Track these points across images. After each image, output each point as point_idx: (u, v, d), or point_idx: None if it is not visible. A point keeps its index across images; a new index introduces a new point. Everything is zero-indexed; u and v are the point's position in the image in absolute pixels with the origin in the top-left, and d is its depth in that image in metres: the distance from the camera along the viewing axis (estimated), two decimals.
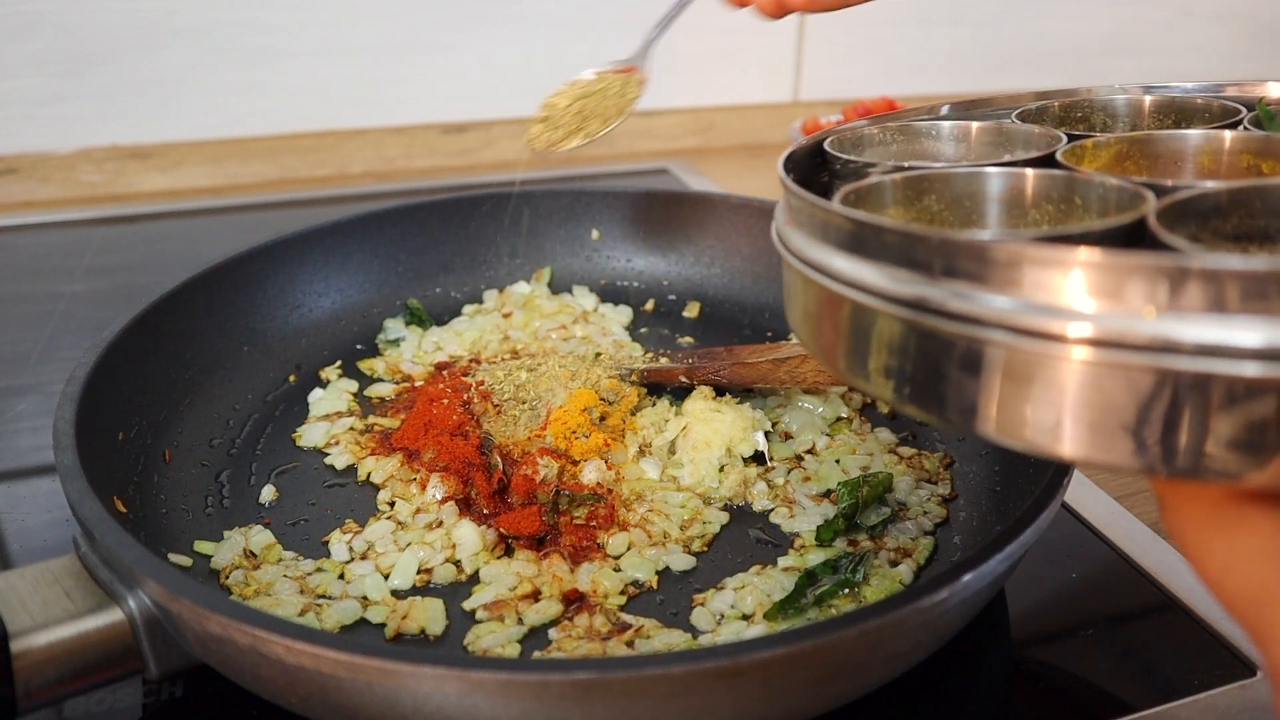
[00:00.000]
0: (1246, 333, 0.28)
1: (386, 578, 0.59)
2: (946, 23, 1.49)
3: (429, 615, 0.56)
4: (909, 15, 1.47)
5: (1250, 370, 0.28)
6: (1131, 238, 0.36)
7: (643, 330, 0.88)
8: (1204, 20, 1.61)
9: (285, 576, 0.59)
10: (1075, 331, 0.31)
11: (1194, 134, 0.48)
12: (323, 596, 0.58)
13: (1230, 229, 0.38)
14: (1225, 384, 0.29)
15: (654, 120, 1.43)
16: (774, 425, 0.72)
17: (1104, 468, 0.35)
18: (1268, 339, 0.28)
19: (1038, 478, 0.56)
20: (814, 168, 0.54)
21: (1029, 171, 0.45)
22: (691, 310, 0.90)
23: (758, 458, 0.69)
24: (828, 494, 0.66)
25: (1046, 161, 0.47)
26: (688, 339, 0.87)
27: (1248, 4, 1.62)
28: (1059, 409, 0.32)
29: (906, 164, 0.49)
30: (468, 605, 0.57)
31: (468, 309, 0.89)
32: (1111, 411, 0.31)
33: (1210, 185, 0.38)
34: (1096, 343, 0.31)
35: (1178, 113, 0.56)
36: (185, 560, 0.59)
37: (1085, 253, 0.31)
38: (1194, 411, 0.30)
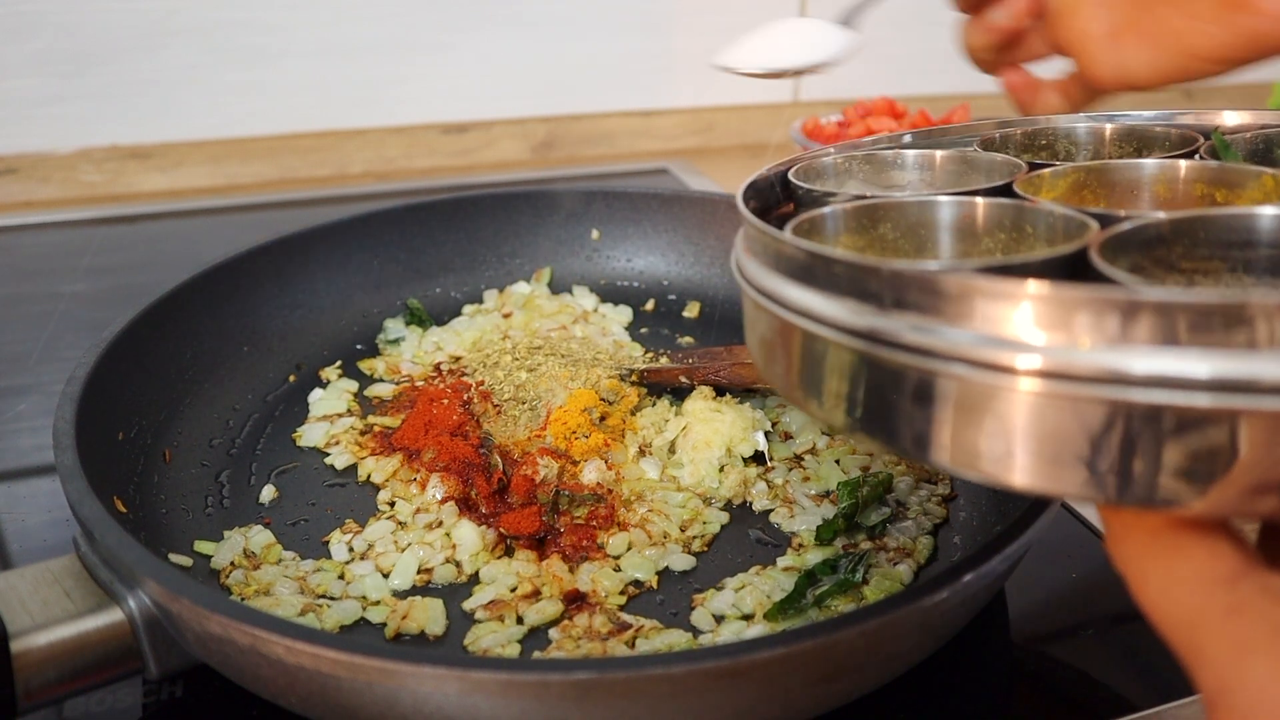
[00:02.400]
0: (1194, 364, 0.29)
1: (386, 578, 0.59)
2: (946, 23, 1.48)
3: (429, 615, 0.56)
4: (909, 15, 1.46)
5: (1199, 401, 0.29)
6: (1077, 267, 0.36)
7: (643, 330, 0.88)
8: None
9: (285, 576, 0.59)
10: (1025, 363, 0.32)
11: (1149, 164, 0.49)
12: (323, 596, 0.58)
13: (1174, 258, 0.38)
14: (1173, 415, 0.29)
15: (654, 120, 1.43)
16: (774, 425, 0.72)
17: (1055, 497, 0.35)
18: (1215, 370, 0.29)
19: None
20: (778, 196, 0.54)
21: (980, 201, 0.45)
22: (691, 310, 0.90)
23: (758, 458, 0.69)
24: (828, 494, 0.66)
25: (1004, 190, 0.47)
26: (688, 339, 0.87)
27: None
28: (1010, 440, 0.33)
29: (866, 194, 0.49)
30: (468, 605, 0.57)
31: (468, 309, 0.89)
32: (1062, 442, 0.32)
33: (1152, 216, 0.38)
34: (1046, 374, 0.31)
35: (1139, 140, 0.57)
36: (185, 560, 0.59)
37: (1033, 286, 0.31)
38: (1141, 442, 0.30)
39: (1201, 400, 0.29)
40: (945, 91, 1.50)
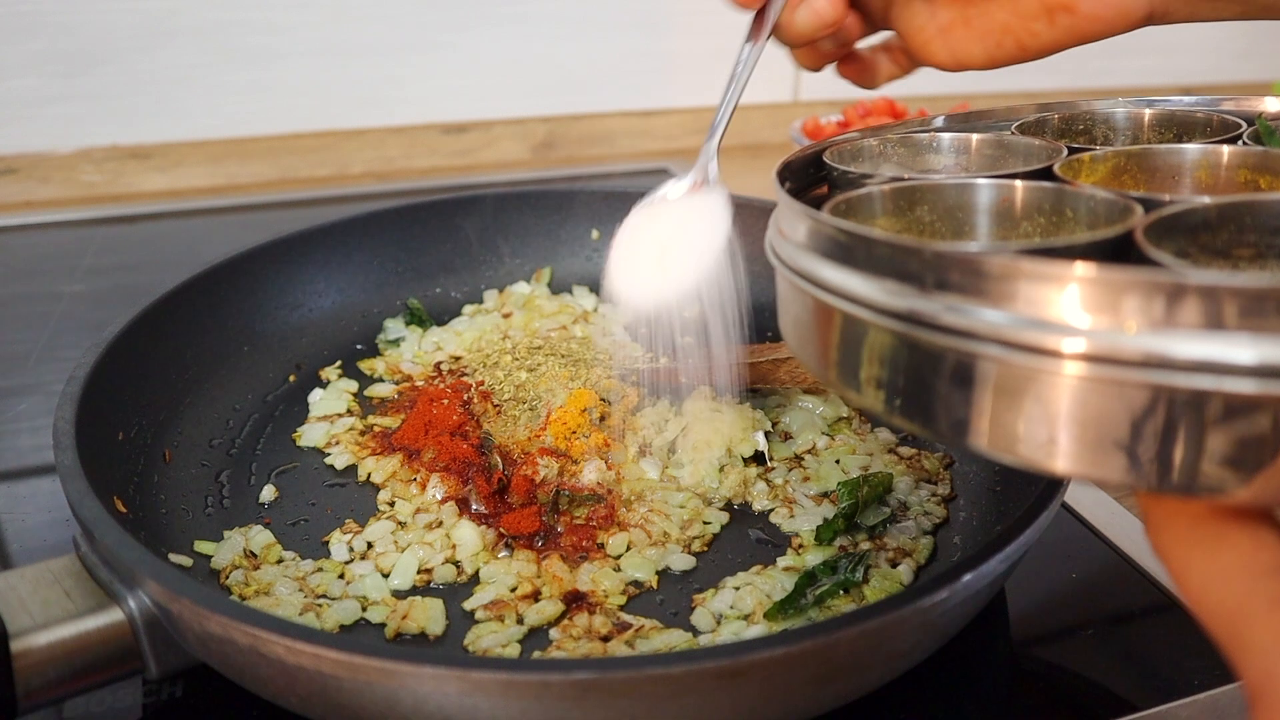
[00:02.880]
0: (1242, 349, 0.28)
1: (386, 578, 0.59)
2: None
3: (429, 615, 0.56)
4: None
5: (1246, 387, 0.28)
6: (1119, 251, 0.36)
7: (643, 330, 0.88)
8: None
9: (285, 576, 0.59)
10: (1069, 347, 0.31)
11: (1191, 149, 0.48)
12: (323, 596, 0.58)
13: (1220, 244, 0.37)
14: (1219, 401, 0.29)
15: (654, 120, 1.43)
16: (774, 425, 0.72)
17: (1095, 483, 0.35)
18: (1263, 356, 0.28)
19: (1038, 478, 0.56)
20: (811, 178, 0.54)
21: (1019, 184, 0.45)
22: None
23: (758, 458, 0.69)
24: (828, 494, 0.66)
25: (1043, 174, 0.47)
26: (688, 339, 0.86)
27: None
28: (1052, 424, 0.32)
29: (903, 175, 0.49)
30: (468, 605, 0.57)
31: (468, 309, 0.89)
32: (1104, 427, 0.31)
33: (1198, 200, 0.38)
34: (1091, 358, 0.31)
35: (1178, 126, 0.56)
36: (185, 560, 0.59)
37: (1081, 267, 0.31)
38: (1186, 428, 0.30)
39: (1248, 386, 0.28)
40: (945, 91, 1.50)
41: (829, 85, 1.52)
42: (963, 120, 0.60)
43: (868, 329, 0.37)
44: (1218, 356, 0.29)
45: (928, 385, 0.35)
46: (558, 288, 0.92)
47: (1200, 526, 0.32)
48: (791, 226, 0.43)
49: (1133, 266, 0.31)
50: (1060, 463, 0.33)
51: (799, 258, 0.41)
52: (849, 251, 0.38)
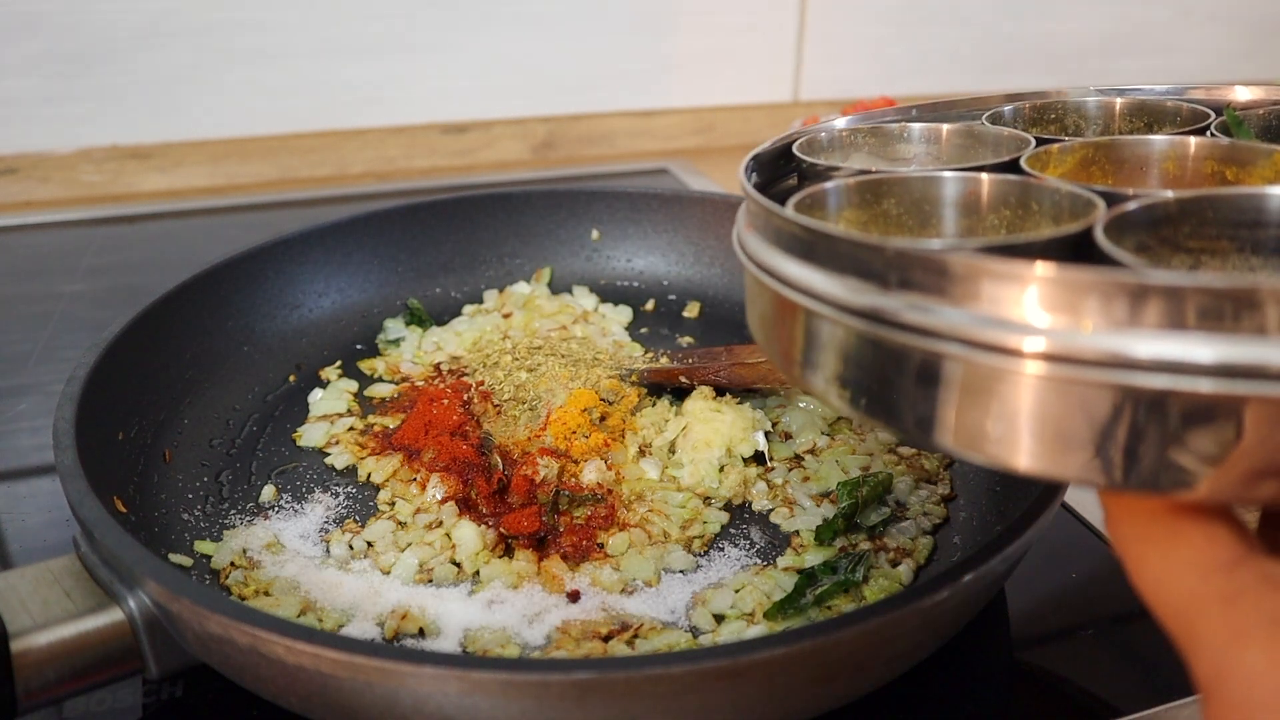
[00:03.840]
0: (1199, 349, 0.29)
1: (386, 577, 0.59)
2: (946, 23, 1.49)
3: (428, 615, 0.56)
4: (909, 15, 1.47)
5: (1203, 386, 0.29)
6: (1081, 246, 0.36)
7: (643, 330, 0.88)
8: (1204, 20, 1.61)
9: (284, 576, 0.59)
10: (1030, 346, 0.31)
11: (1159, 140, 0.48)
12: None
13: (1182, 238, 0.38)
14: (1176, 400, 0.29)
15: (654, 120, 1.43)
16: (774, 425, 0.72)
17: (1057, 480, 0.35)
18: (1220, 355, 0.28)
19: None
20: (781, 170, 0.54)
21: (985, 177, 0.45)
22: (691, 310, 0.90)
23: (758, 458, 0.69)
24: (828, 494, 0.66)
25: (1011, 166, 0.47)
26: (688, 339, 0.87)
27: (1247, 4, 1.62)
28: (1014, 423, 0.32)
29: (871, 169, 0.49)
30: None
31: (468, 309, 0.89)
32: (1065, 425, 0.31)
33: (1159, 195, 0.38)
34: (1050, 357, 0.31)
35: (1149, 115, 0.56)
36: (185, 560, 0.59)
37: (1040, 267, 0.31)
38: (1144, 426, 0.30)
39: (1206, 385, 0.29)
40: (945, 91, 1.50)
41: (829, 85, 1.52)
42: (933, 109, 0.60)
43: (830, 326, 0.37)
44: (1175, 356, 0.29)
45: (891, 383, 0.36)
46: (558, 288, 0.92)
47: (1157, 523, 0.32)
48: (756, 221, 0.43)
49: (1092, 266, 0.31)
50: (1023, 460, 0.33)
51: (763, 253, 0.41)
52: (811, 248, 0.38)
